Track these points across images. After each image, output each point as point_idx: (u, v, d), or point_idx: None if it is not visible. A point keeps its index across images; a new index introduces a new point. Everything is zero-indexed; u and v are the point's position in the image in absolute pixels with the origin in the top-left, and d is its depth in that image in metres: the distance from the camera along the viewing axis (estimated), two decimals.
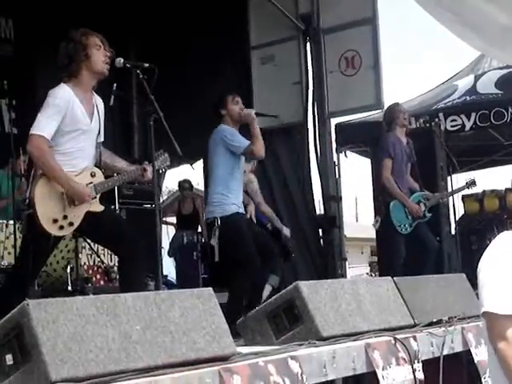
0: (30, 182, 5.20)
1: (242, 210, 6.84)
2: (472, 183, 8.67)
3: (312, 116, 10.45)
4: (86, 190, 5.08)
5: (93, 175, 5.19)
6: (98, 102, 5.33)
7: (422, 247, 8.09)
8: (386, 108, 8.63)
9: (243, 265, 6.56)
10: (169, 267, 11.10)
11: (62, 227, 5.01)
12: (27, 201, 5.00)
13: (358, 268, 23.01)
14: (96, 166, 5.30)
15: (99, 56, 5.14)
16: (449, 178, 8.93)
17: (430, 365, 4.54)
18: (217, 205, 6.72)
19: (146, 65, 5.20)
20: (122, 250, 5.27)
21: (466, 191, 9.25)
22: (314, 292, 4.34)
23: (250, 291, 6.62)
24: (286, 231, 8.71)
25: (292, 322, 4.26)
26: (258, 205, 8.47)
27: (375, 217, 8.42)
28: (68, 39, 5.14)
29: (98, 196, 5.21)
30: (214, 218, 6.66)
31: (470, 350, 4.93)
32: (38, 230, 4.92)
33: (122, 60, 5.22)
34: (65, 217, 5.00)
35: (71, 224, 5.04)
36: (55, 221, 4.96)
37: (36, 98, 9.62)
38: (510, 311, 2.73)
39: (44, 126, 4.92)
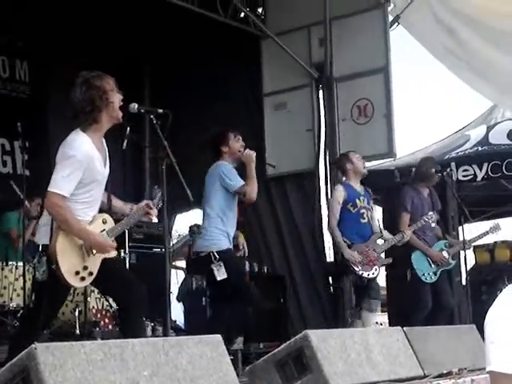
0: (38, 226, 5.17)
1: (231, 246, 6.92)
2: (496, 228, 8.67)
3: (324, 163, 10.48)
4: (109, 242, 5.05)
5: (104, 222, 5.16)
6: (105, 145, 5.24)
7: (437, 302, 8.09)
8: (423, 161, 8.67)
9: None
10: (177, 312, 11.04)
11: (83, 278, 4.98)
12: (41, 248, 4.97)
13: None
14: (102, 209, 5.27)
15: (117, 100, 5.07)
16: (460, 227, 8.89)
17: None
18: (210, 239, 6.78)
19: (160, 110, 5.20)
20: (123, 299, 5.22)
21: (479, 242, 9.20)
22: (323, 341, 4.31)
23: None
24: None
25: (300, 371, 4.22)
26: None
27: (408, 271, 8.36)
28: (87, 84, 5.00)
29: None
30: (209, 253, 6.67)
31: None
32: (61, 282, 4.90)
33: (137, 105, 5.23)
34: (85, 267, 4.96)
35: (91, 274, 5.01)
36: (77, 273, 4.93)
37: (48, 140, 9.73)
38: None
39: (63, 184, 4.84)
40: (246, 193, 6.73)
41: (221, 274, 6.63)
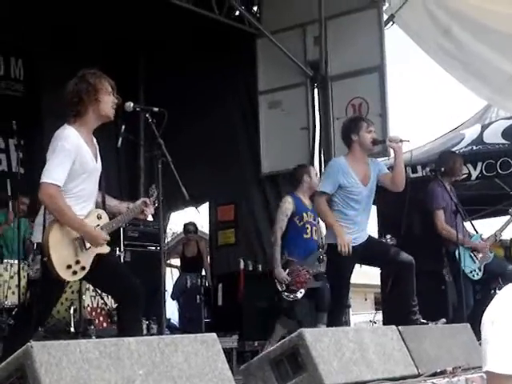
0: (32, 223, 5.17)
1: (353, 244, 6.85)
2: None
3: (318, 162, 10.50)
4: (102, 234, 5.05)
5: (99, 217, 5.18)
6: (96, 142, 5.29)
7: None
8: (446, 154, 8.64)
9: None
10: (172, 310, 11.07)
11: (75, 272, 4.98)
12: (36, 246, 4.98)
13: (361, 315, 22.88)
14: (98, 206, 5.29)
15: (108, 102, 5.12)
16: None
17: None
18: (329, 235, 6.95)
19: (156, 109, 5.22)
20: (121, 296, 5.24)
21: None
22: (317, 340, 4.31)
23: None
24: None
25: (295, 370, 4.22)
26: None
27: (445, 270, 8.30)
28: (81, 78, 5.09)
29: None
30: (325, 245, 7.03)
31: None
32: (53, 276, 4.90)
33: (132, 104, 5.25)
34: (77, 262, 4.96)
35: (83, 268, 5.01)
36: (69, 266, 4.93)
37: (43, 138, 9.70)
38: (510, 371, 2.67)
39: (55, 173, 4.87)
40: (317, 198, 6.96)
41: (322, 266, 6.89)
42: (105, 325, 8.18)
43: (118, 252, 8.44)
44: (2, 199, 9.01)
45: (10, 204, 8.85)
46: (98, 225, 5.15)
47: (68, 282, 5.21)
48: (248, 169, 11.19)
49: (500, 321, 2.77)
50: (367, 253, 6.98)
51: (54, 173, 4.88)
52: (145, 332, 8.22)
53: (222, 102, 11.23)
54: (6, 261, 8.11)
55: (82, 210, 5.06)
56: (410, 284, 6.99)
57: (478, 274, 8.01)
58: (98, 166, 5.22)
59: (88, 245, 5.03)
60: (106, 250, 5.20)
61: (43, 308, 5.11)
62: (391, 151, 7.37)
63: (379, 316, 11.10)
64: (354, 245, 6.85)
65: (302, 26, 10.56)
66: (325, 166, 10.34)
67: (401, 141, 6.89)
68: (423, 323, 6.94)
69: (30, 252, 5.23)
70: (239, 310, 9.58)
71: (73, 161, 4.94)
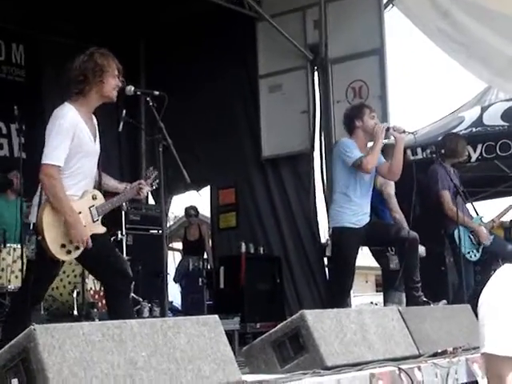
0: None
1: (357, 226, 6.89)
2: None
3: (319, 145, 10.51)
4: (85, 233, 4.99)
5: (94, 198, 5.17)
6: (95, 122, 5.27)
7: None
8: (448, 136, 8.67)
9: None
10: (174, 293, 11.11)
11: (69, 252, 4.98)
12: (32, 226, 5.00)
13: (362, 297, 22.96)
14: (95, 187, 5.29)
15: (112, 84, 5.11)
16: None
17: None
18: (332, 218, 7.00)
19: (156, 93, 5.22)
20: (108, 279, 5.23)
21: None
22: (319, 321, 4.34)
23: None
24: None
25: (297, 351, 4.25)
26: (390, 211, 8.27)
27: (447, 252, 8.35)
28: (89, 57, 5.06)
29: (100, 218, 5.21)
30: (329, 229, 7.02)
31: (476, 381, 4.90)
32: (48, 255, 4.92)
33: (133, 88, 5.25)
34: (71, 241, 4.97)
35: (77, 248, 5.01)
36: (63, 246, 4.94)
37: (45, 123, 9.72)
38: (509, 352, 2.68)
39: (55, 153, 4.88)
40: (362, 164, 6.74)
41: (327, 250, 6.88)
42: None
43: (119, 235, 8.46)
44: (3, 183, 9.04)
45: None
46: (93, 205, 5.15)
47: (63, 261, 5.19)
48: (249, 152, 11.20)
49: (497, 303, 2.77)
50: (371, 234, 7.00)
51: (54, 153, 4.89)
52: (147, 314, 8.28)
53: (223, 85, 11.22)
54: (8, 245, 8.14)
55: (78, 191, 5.06)
56: (412, 260, 7.00)
57: (475, 255, 8.05)
58: (97, 146, 5.21)
59: (83, 223, 5.03)
60: (101, 229, 5.22)
61: (39, 287, 5.12)
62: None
63: (380, 298, 11.12)
64: (357, 227, 6.88)
65: (302, 10, 10.56)
66: (325, 149, 10.38)
67: (404, 131, 6.94)
68: (425, 301, 6.96)
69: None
70: (241, 293, 9.63)
71: (71, 139, 4.93)
